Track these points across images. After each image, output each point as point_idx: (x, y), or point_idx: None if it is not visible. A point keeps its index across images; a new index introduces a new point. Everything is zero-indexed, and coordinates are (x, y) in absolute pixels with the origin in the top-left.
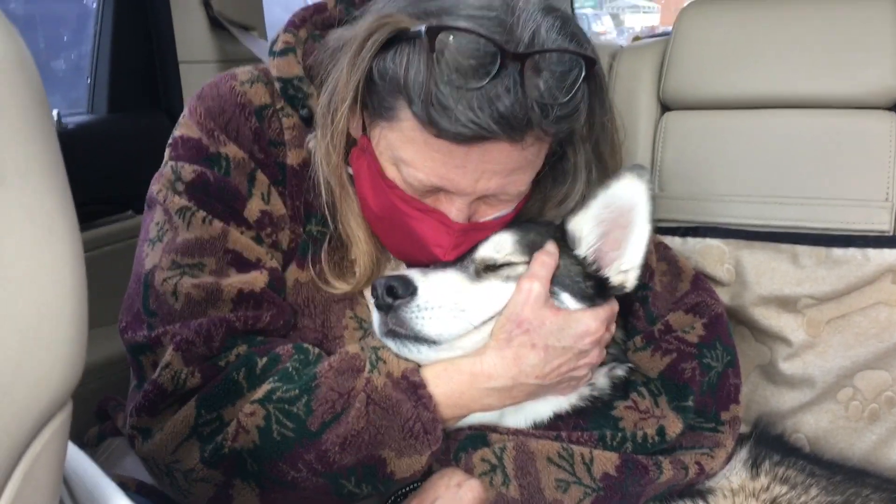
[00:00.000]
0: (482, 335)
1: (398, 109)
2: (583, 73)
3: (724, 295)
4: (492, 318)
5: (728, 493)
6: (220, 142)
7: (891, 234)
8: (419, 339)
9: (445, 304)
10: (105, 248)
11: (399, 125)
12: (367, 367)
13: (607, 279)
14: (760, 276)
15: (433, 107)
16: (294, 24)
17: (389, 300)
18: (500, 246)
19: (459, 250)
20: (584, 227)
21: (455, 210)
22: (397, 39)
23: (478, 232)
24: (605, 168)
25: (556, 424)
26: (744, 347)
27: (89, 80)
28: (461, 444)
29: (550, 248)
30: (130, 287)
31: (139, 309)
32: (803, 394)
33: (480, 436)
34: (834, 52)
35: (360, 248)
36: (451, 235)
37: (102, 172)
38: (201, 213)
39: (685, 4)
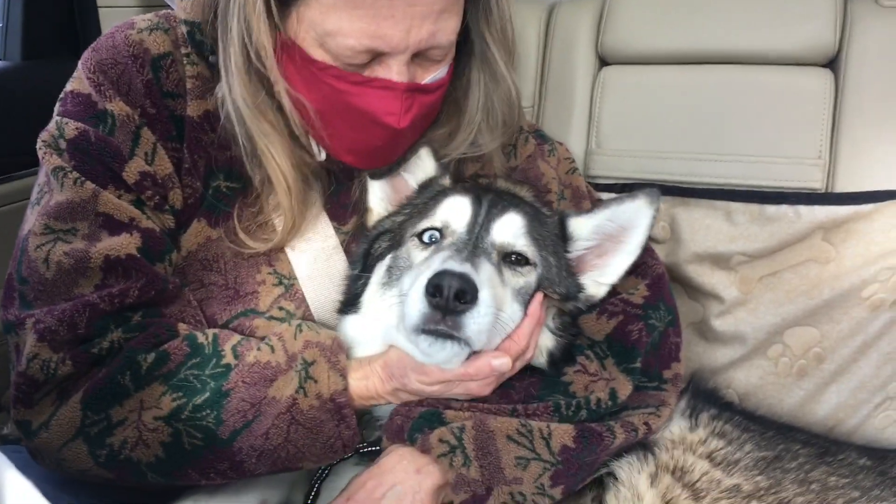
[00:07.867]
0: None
1: None
2: None
3: (658, 252)
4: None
5: (669, 444)
6: (107, 97)
7: (822, 191)
8: (456, 339)
9: (492, 310)
10: (18, 204)
11: None
12: (295, 385)
13: (581, 286)
14: (695, 233)
15: None
16: None
17: (456, 304)
18: (515, 231)
19: (411, 114)
20: (584, 231)
21: (395, 73)
22: None
23: (424, 95)
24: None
25: (508, 393)
26: (677, 305)
27: (1, 25)
28: (415, 424)
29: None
30: (13, 255)
31: (12, 275)
32: (734, 350)
33: (435, 413)
34: (772, 7)
35: (283, 193)
36: (398, 99)
37: (15, 123)
38: (74, 175)
39: None
